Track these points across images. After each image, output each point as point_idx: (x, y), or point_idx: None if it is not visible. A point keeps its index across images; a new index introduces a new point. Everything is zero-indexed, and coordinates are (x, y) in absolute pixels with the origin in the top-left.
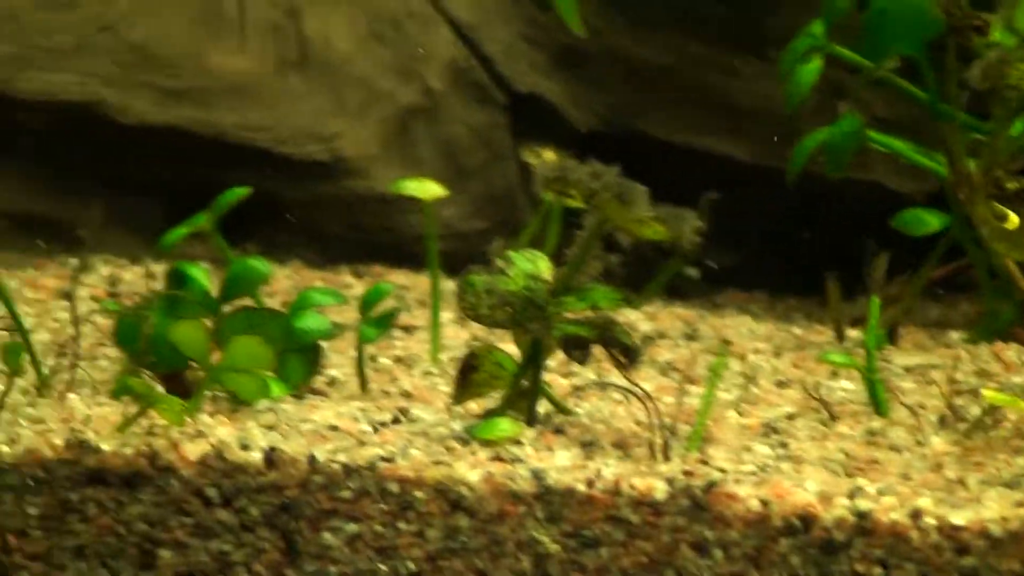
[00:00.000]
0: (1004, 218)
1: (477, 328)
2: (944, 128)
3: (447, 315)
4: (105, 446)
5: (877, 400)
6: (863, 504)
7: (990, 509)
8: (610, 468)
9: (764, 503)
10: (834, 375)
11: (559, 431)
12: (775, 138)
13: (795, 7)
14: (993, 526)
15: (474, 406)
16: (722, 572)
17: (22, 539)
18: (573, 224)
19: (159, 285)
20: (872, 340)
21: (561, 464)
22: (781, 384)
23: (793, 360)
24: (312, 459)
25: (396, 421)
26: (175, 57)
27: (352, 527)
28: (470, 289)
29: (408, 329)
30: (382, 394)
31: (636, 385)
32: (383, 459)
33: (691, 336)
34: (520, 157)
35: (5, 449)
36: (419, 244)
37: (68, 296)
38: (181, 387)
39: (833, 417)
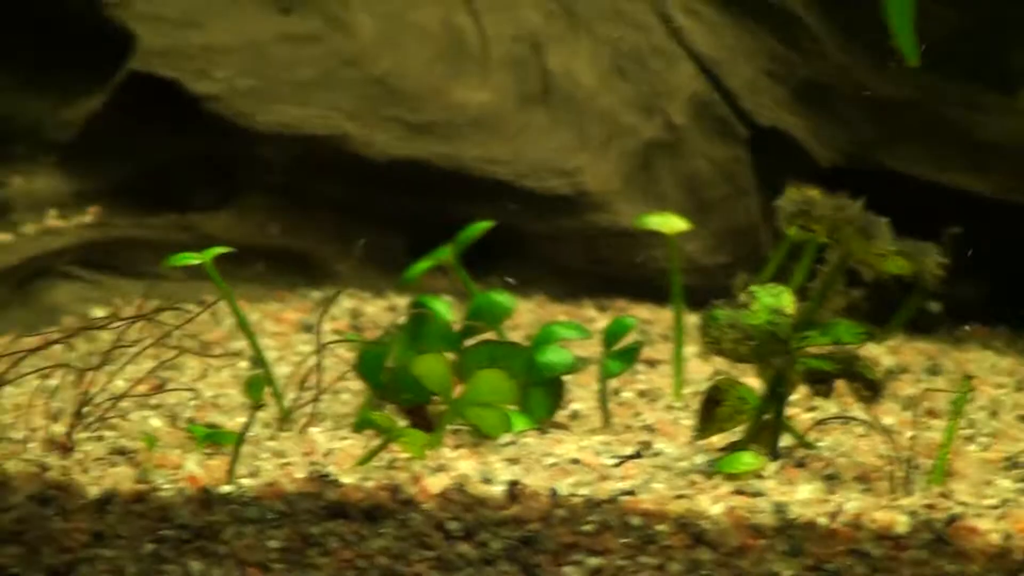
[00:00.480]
0: None
1: (720, 362)
2: None
3: (690, 349)
4: (346, 479)
5: None
6: None
7: None
8: (852, 502)
9: (1006, 537)
10: None
11: (801, 465)
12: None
13: None
14: None
15: (717, 440)
16: None
17: (263, 572)
18: (816, 258)
19: (401, 318)
20: None
21: (803, 497)
22: (1023, 418)
23: None
24: (554, 493)
25: (639, 455)
26: (418, 91)
27: (594, 561)
28: (713, 323)
29: (651, 363)
30: (625, 428)
31: (878, 419)
32: (625, 493)
33: (933, 370)
34: (762, 191)
35: (247, 482)
36: (662, 278)
37: (311, 329)
38: (423, 420)
39: None
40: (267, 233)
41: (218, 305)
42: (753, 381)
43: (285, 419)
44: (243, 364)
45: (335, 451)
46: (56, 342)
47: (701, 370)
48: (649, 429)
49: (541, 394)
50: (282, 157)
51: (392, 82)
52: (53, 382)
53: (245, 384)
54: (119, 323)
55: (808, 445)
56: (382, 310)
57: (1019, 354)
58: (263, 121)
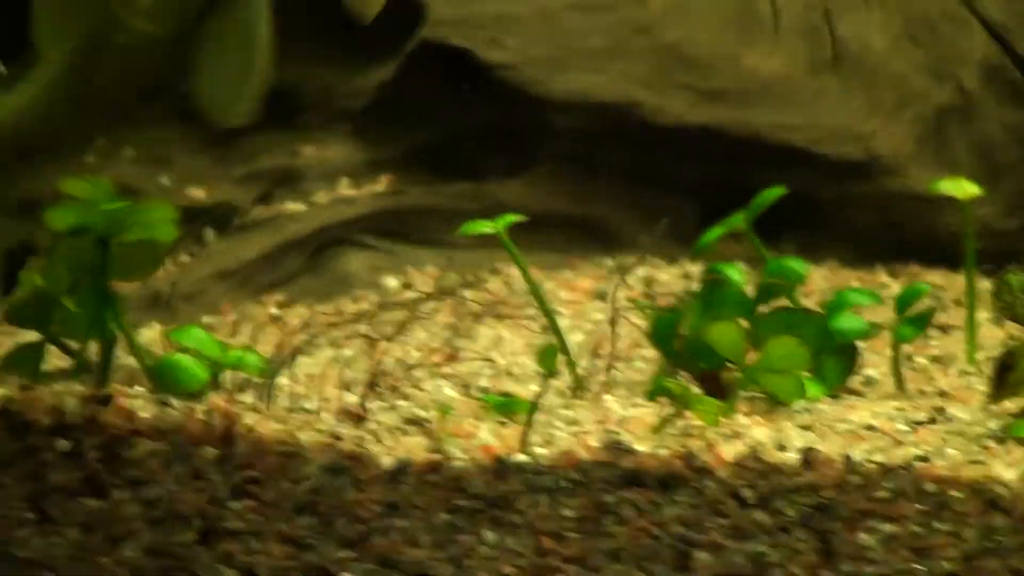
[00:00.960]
0: None
1: (1013, 327)
2: None
3: (983, 314)
4: (640, 447)
5: None
6: None
7: None
8: None
9: None
10: None
11: None
12: None
13: None
14: None
15: (1011, 405)
16: None
17: (557, 541)
18: None
19: (694, 285)
20: None
21: None
22: None
23: None
24: (848, 459)
25: (932, 420)
26: (710, 58)
27: (888, 527)
28: (1006, 288)
29: (944, 328)
30: (918, 394)
31: None
32: (919, 459)
33: None
34: None
35: (541, 451)
36: (955, 243)
37: (604, 297)
38: (717, 388)
39: None
40: (559, 200)
41: (511, 273)
42: None
43: (579, 387)
44: (536, 332)
45: (629, 419)
46: (356, 320)
47: (994, 335)
48: (943, 394)
49: (835, 360)
50: (574, 125)
51: (684, 49)
52: (347, 352)
53: (538, 352)
54: (417, 297)
55: None
56: (675, 277)
57: None
58: (555, 89)
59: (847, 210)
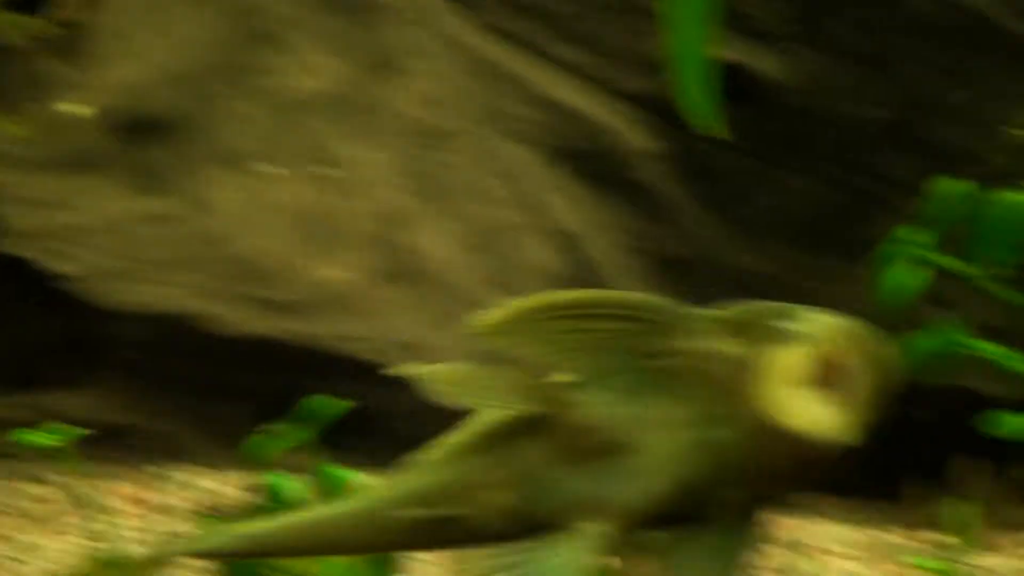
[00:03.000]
0: None
1: None
2: None
3: None
4: None
5: None
6: None
7: None
8: None
9: None
10: None
11: None
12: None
13: (890, 214)
14: None
15: None
16: None
17: None
18: None
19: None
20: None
21: None
22: None
23: None
24: None
25: None
26: (274, 269)
27: None
28: None
29: None
30: None
31: None
32: None
33: None
34: None
35: None
36: None
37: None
38: None
39: None
40: (125, 412)
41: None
42: None
43: None
44: None
45: None
46: None
47: None
48: None
49: None
50: (134, 336)
51: (249, 261)
52: None
53: None
54: None
55: None
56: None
57: None
58: (117, 300)
59: (406, 423)
